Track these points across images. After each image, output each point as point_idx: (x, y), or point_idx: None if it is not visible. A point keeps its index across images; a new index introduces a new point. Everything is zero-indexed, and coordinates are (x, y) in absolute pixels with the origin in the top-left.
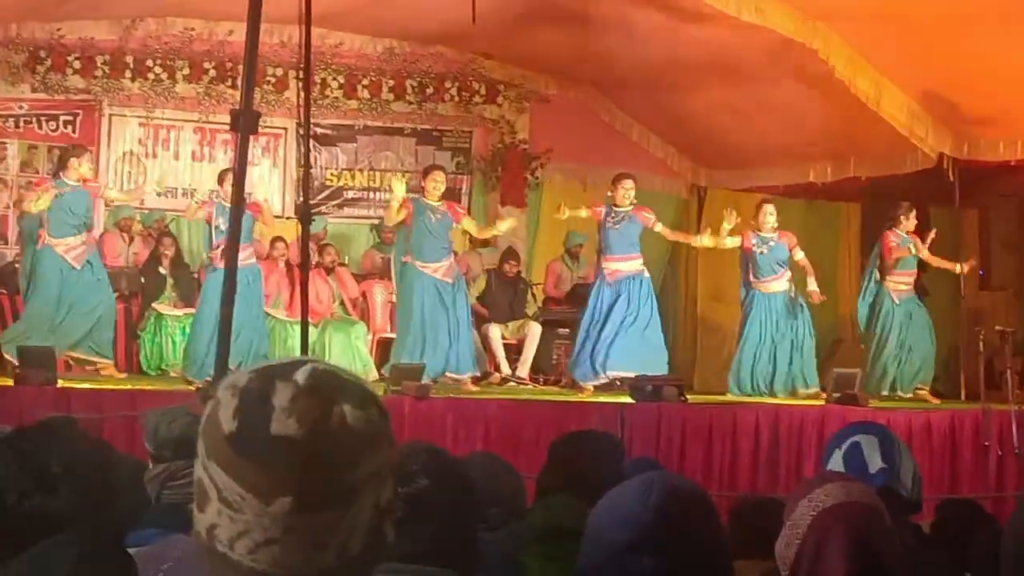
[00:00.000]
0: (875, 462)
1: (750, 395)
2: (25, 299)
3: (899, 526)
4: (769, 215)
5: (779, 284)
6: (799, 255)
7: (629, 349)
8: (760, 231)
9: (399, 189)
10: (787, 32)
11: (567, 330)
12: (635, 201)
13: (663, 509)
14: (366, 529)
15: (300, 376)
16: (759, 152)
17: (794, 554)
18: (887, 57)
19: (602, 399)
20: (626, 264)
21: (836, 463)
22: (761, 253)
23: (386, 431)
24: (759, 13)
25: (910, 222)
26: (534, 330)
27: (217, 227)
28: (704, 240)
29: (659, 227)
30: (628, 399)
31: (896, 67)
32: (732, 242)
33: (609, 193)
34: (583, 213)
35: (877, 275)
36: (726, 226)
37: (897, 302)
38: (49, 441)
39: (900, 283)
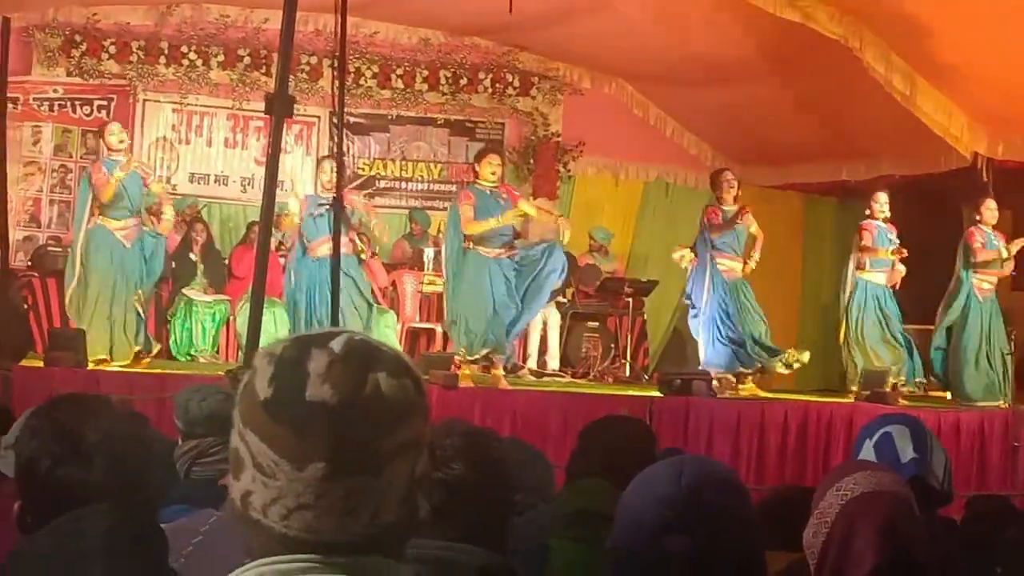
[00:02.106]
0: (906, 452)
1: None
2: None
3: (929, 517)
4: (884, 203)
5: (881, 276)
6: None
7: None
8: (875, 218)
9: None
10: (823, 29)
11: (596, 323)
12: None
13: (695, 490)
14: (398, 499)
15: (336, 344)
16: (793, 149)
17: (822, 543)
18: (922, 55)
19: (631, 392)
20: (737, 264)
21: (867, 453)
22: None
23: (421, 402)
24: (796, 9)
25: (991, 214)
26: (553, 319)
27: (311, 215)
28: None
29: (754, 227)
30: (657, 393)
31: (931, 65)
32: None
33: (716, 194)
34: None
35: (962, 272)
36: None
37: (981, 300)
38: (84, 412)
39: (984, 280)
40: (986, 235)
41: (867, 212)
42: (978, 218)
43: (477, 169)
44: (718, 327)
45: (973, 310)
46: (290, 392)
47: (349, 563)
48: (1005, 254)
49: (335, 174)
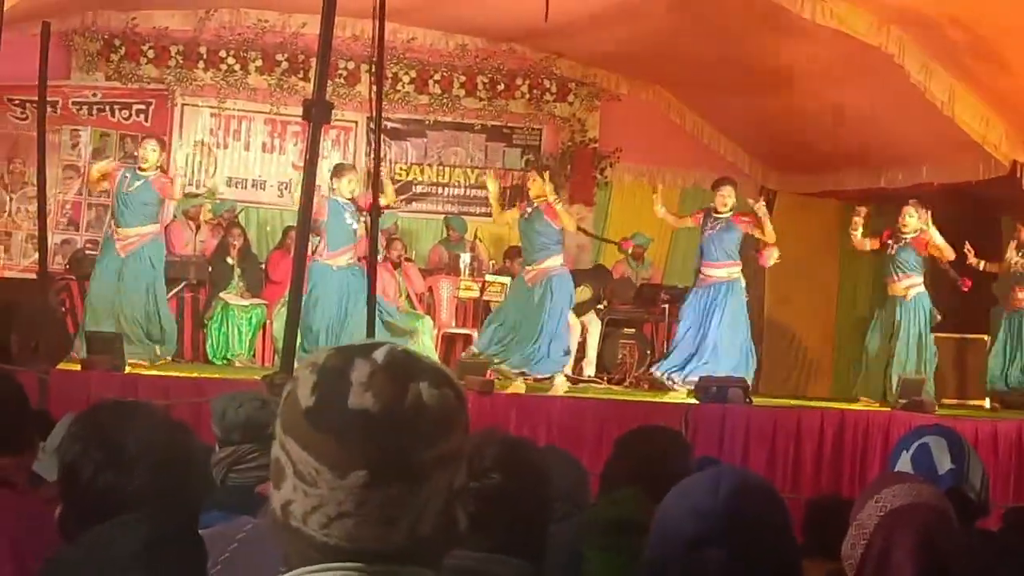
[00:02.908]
0: (944, 463)
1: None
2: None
3: (966, 529)
4: (910, 216)
5: (905, 287)
6: (937, 238)
7: (715, 355)
8: (902, 230)
9: (493, 186)
10: (862, 36)
11: (632, 330)
12: (735, 208)
13: (732, 502)
14: (438, 510)
15: (379, 355)
16: (830, 156)
17: (860, 555)
18: (962, 63)
19: (667, 399)
20: (719, 271)
21: (904, 464)
22: (896, 256)
23: (462, 413)
24: (834, 17)
25: None
26: (594, 326)
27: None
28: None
29: (762, 210)
30: (693, 400)
31: (971, 73)
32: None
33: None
34: (689, 223)
35: None
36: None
37: None
38: (127, 419)
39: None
40: None
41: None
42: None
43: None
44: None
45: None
46: (332, 400)
47: (388, 572)
48: None
49: (357, 184)
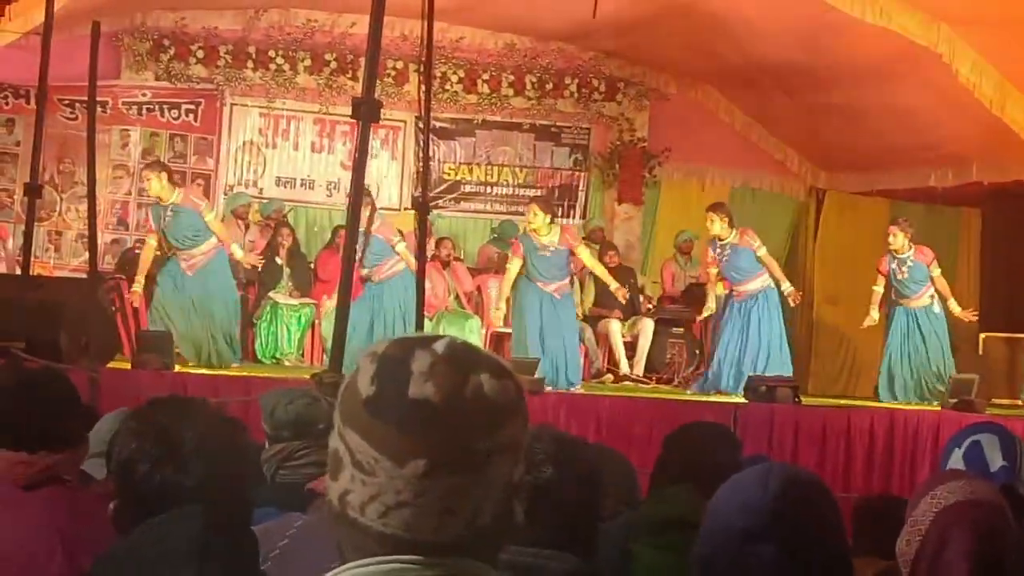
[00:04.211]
0: (996, 460)
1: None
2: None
3: (1020, 526)
4: (893, 237)
5: (922, 300)
6: (936, 271)
7: (758, 361)
8: (896, 253)
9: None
10: (911, 35)
11: (681, 329)
12: (733, 227)
13: (783, 497)
14: (496, 501)
15: (439, 345)
16: (879, 155)
17: (915, 552)
18: (1012, 62)
19: (715, 399)
20: (750, 284)
21: (956, 462)
22: (899, 278)
23: (521, 405)
24: (884, 16)
25: None
26: (647, 327)
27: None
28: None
29: (762, 252)
30: (741, 399)
31: (1021, 71)
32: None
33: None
34: (712, 268)
35: None
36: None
37: None
38: (183, 415)
39: None
40: None
41: None
42: None
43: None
44: None
45: None
46: (392, 390)
47: (446, 565)
48: None
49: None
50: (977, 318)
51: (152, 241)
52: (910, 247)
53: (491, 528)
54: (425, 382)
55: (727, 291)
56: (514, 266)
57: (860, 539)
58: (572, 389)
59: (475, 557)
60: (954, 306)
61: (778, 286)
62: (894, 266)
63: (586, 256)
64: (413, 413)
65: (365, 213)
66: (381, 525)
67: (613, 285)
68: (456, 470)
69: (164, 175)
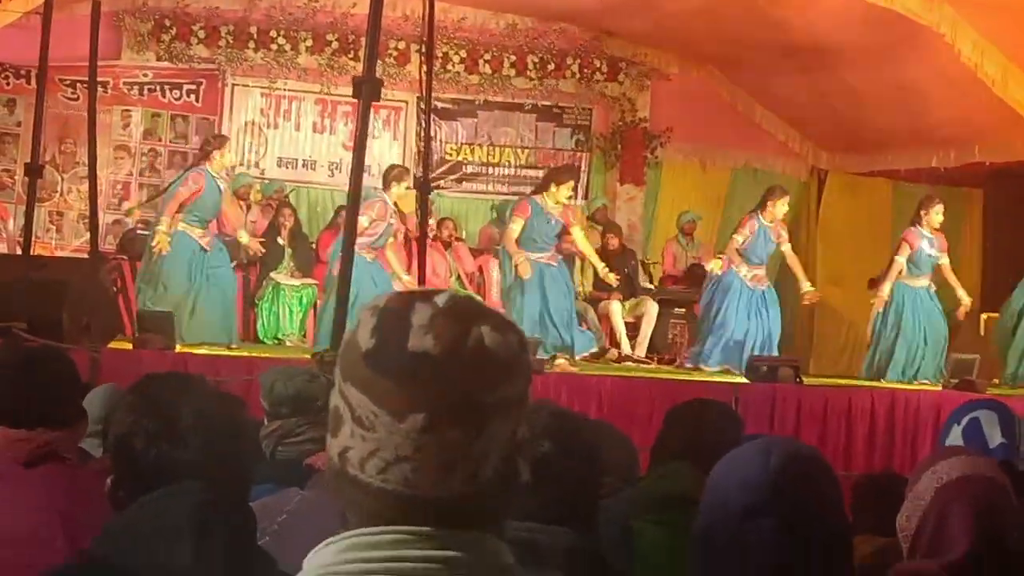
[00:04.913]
0: (994, 437)
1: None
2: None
3: (1020, 501)
4: (936, 214)
5: (923, 281)
6: (944, 259)
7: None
8: (926, 227)
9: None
10: (914, 15)
11: (683, 310)
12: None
13: (783, 472)
14: (499, 458)
15: (440, 299)
16: (881, 136)
17: (915, 527)
18: (1015, 42)
19: (717, 379)
20: (763, 271)
21: (955, 438)
22: (929, 254)
23: (524, 359)
24: None
25: None
26: (652, 309)
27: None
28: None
29: (787, 247)
30: (743, 379)
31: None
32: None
33: (774, 210)
34: (738, 239)
35: None
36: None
37: None
38: (180, 390)
39: None
40: None
41: None
42: None
43: (556, 186)
44: None
45: None
46: (392, 343)
47: (448, 536)
48: None
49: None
50: (968, 310)
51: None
52: (935, 230)
53: (495, 486)
54: (425, 335)
55: (726, 268)
56: (517, 226)
57: (861, 516)
58: (574, 359)
59: (480, 520)
60: (963, 296)
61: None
62: (923, 243)
63: (579, 236)
64: (412, 366)
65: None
66: (381, 481)
67: (601, 267)
68: (456, 424)
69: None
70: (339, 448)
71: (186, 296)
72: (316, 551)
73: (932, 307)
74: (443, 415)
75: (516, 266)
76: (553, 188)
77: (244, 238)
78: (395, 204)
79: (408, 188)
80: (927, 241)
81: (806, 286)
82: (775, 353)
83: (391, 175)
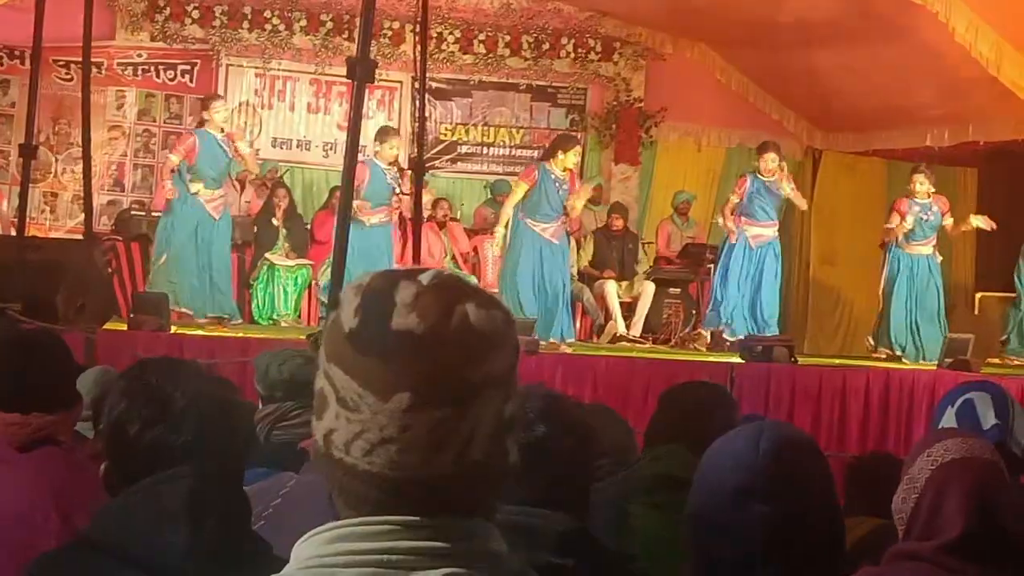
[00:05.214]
0: (988, 419)
1: (900, 359)
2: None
3: (1014, 483)
4: (919, 184)
5: (926, 248)
6: (948, 220)
7: (763, 313)
8: (918, 199)
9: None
10: None
11: (678, 290)
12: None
13: (774, 455)
14: (487, 437)
15: (424, 277)
16: (876, 115)
17: (911, 508)
18: (1009, 20)
19: (712, 358)
20: (768, 230)
21: (949, 420)
22: (925, 219)
23: (510, 335)
24: None
25: None
26: (648, 289)
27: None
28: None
29: (795, 193)
30: (738, 359)
31: (1017, 30)
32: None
33: (755, 163)
34: (734, 199)
35: None
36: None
37: None
38: (173, 375)
39: None
40: None
41: None
42: None
43: (561, 152)
44: None
45: None
46: (376, 322)
47: (435, 525)
48: None
49: (399, 148)
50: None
51: (175, 158)
52: (929, 195)
53: (483, 467)
54: (409, 313)
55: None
56: (520, 190)
57: (855, 497)
58: (567, 342)
59: (470, 505)
60: (975, 220)
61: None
62: (916, 209)
63: (583, 194)
64: (396, 345)
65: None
66: (367, 463)
67: (578, 211)
68: (442, 403)
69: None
70: (324, 431)
71: (186, 260)
72: (303, 541)
73: (929, 278)
74: (428, 394)
75: (505, 226)
76: (560, 155)
77: (245, 148)
78: (392, 164)
79: (393, 149)
80: (919, 207)
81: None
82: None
83: (375, 135)
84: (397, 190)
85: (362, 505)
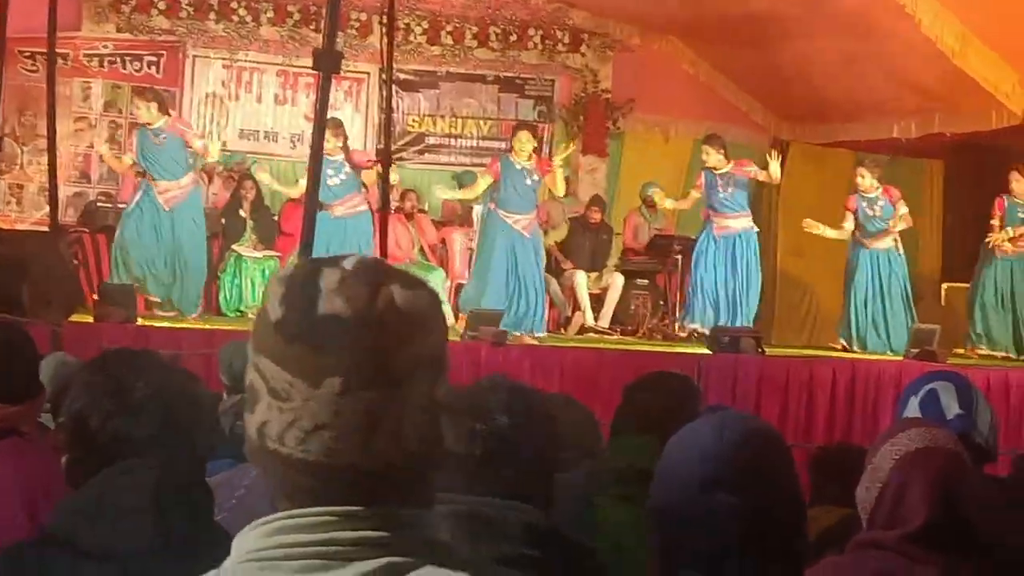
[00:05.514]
0: (952, 409)
1: (859, 351)
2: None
3: (977, 473)
4: (861, 178)
5: (885, 242)
6: (903, 209)
7: (737, 306)
8: (864, 193)
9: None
10: None
11: (646, 281)
12: (729, 159)
13: (737, 445)
14: (420, 419)
15: (347, 263)
16: (843, 107)
17: (874, 498)
18: (974, 12)
19: (680, 350)
20: (736, 221)
21: (912, 410)
22: (871, 215)
23: (437, 315)
24: None
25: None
26: (617, 281)
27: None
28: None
29: (763, 175)
30: (706, 350)
31: (983, 22)
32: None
33: (703, 157)
34: (695, 194)
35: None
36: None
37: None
38: (135, 367)
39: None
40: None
41: None
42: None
43: (511, 143)
44: None
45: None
46: (302, 309)
47: (374, 515)
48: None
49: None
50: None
51: (127, 159)
52: (877, 187)
53: (420, 453)
54: (334, 298)
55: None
56: (483, 182)
57: (821, 487)
58: (535, 335)
59: (409, 493)
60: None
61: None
62: (863, 205)
63: (559, 175)
64: (324, 330)
65: (338, 143)
66: (301, 452)
67: (560, 190)
68: (372, 386)
69: (154, 104)
70: (257, 423)
71: (147, 253)
72: (243, 534)
73: (890, 271)
74: (359, 377)
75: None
76: (515, 144)
77: (197, 142)
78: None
79: (327, 142)
80: (867, 202)
81: (764, 175)
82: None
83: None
84: (334, 179)
85: (300, 495)
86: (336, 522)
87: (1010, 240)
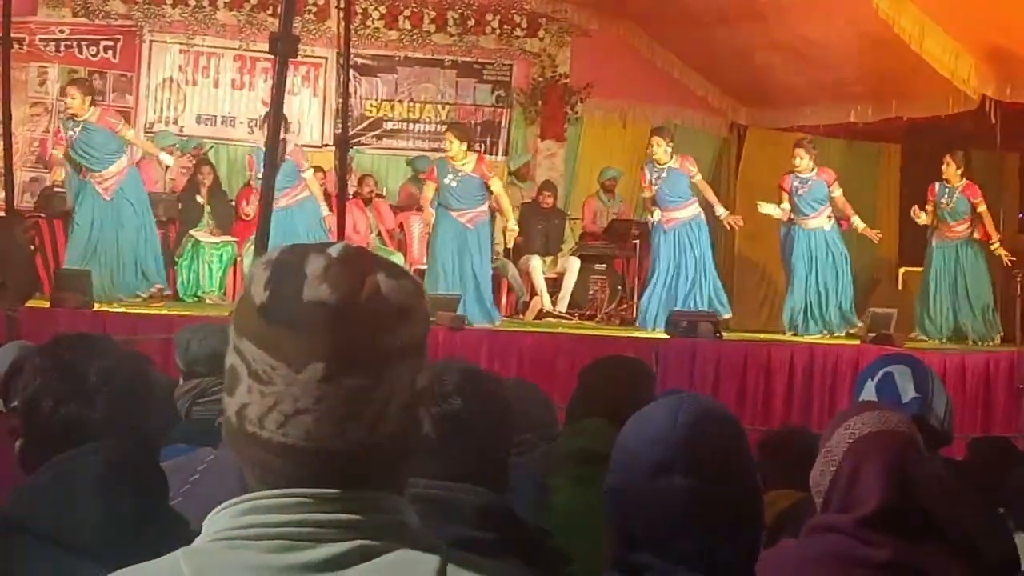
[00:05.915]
0: (908, 392)
1: (802, 334)
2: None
3: (931, 455)
4: (799, 159)
5: (819, 221)
6: (837, 192)
7: (694, 293)
8: (799, 173)
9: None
10: None
11: (604, 265)
12: (674, 153)
13: (691, 428)
14: (400, 407)
15: (333, 250)
16: (800, 91)
17: (828, 482)
18: None
19: (637, 334)
20: (682, 211)
21: (868, 393)
22: (800, 194)
23: (420, 305)
24: None
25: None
26: (573, 265)
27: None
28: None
29: (698, 178)
30: (663, 334)
31: (939, 7)
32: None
33: (649, 150)
34: (646, 192)
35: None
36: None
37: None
38: (88, 350)
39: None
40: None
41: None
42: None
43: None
44: None
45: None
46: (287, 294)
47: (346, 498)
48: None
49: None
50: (880, 238)
51: (58, 153)
52: (813, 168)
53: (397, 438)
54: (320, 284)
55: (652, 217)
56: (428, 190)
57: (772, 472)
58: (490, 324)
59: (382, 477)
60: (858, 223)
61: (711, 212)
62: (796, 184)
63: (497, 186)
64: (309, 316)
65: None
66: (281, 436)
67: (511, 223)
68: (355, 373)
69: (88, 98)
70: (237, 406)
71: (95, 245)
72: (214, 514)
73: (827, 251)
74: (342, 363)
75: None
76: (447, 145)
77: (168, 160)
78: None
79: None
80: (799, 181)
81: (721, 211)
82: (716, 289)
83: None
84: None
85: (277, 479)
86: (308, 504)
87: (936, 226)
